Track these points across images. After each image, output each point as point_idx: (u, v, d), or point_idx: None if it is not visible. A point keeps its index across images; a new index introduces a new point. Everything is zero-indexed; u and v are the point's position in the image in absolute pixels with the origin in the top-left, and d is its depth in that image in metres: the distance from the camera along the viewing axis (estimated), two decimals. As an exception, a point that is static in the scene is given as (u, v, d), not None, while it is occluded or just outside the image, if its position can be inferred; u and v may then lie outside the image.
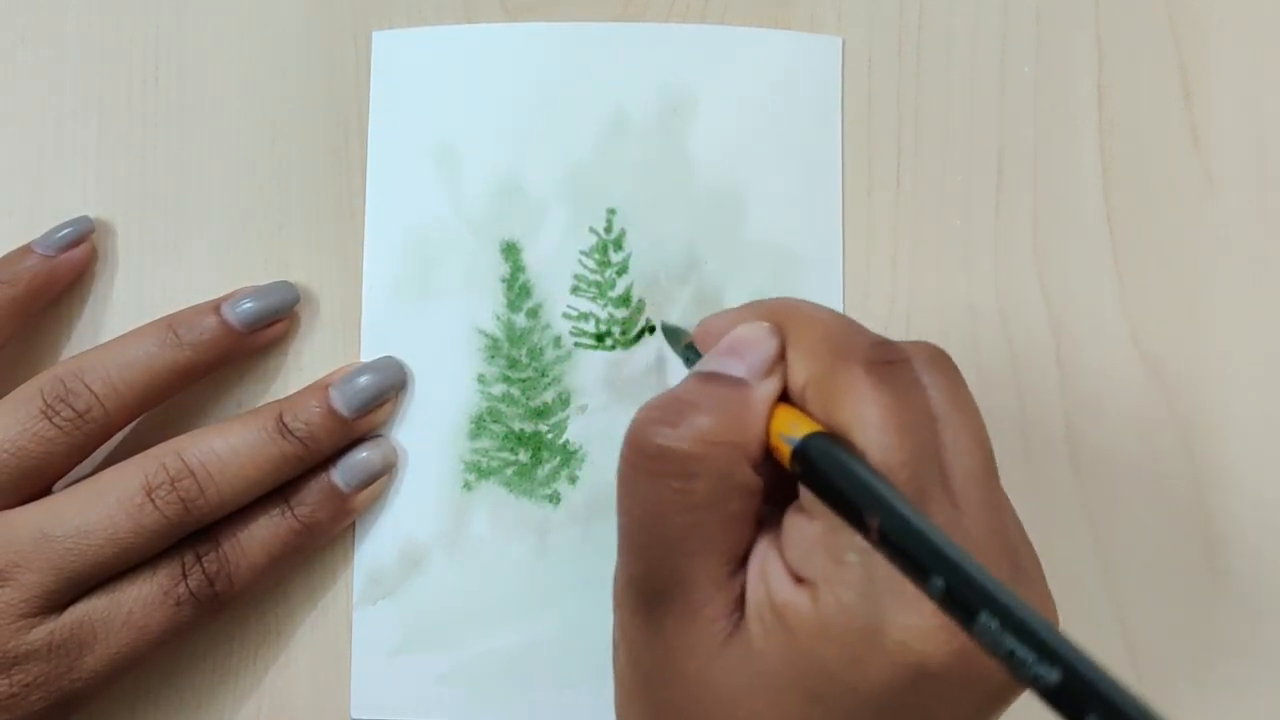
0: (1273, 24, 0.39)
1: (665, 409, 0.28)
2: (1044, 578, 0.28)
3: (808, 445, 0.26)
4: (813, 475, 0.26)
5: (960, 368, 0.38)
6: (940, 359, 0.29)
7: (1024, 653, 0.22)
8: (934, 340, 0.38)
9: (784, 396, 0.28)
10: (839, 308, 0.38)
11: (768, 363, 0.28)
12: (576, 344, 0.38)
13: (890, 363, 0.27)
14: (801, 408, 0.28)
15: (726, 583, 0.27)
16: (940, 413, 0.27)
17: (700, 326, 0.31)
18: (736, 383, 0.28)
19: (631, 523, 0.29)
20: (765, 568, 0.27)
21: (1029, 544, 0.28)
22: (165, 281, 0.38)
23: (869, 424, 0.26)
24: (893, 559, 0.24)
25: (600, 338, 0.38)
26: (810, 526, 0.26)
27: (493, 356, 0.38)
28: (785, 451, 0.27)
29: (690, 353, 0.31)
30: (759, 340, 0.28)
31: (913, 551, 0.24)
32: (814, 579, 0.26)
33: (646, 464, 0.27)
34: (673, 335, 0.36)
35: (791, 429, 0.27)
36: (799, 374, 0.28)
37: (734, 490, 0.27)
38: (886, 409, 0.26)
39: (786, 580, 0.27)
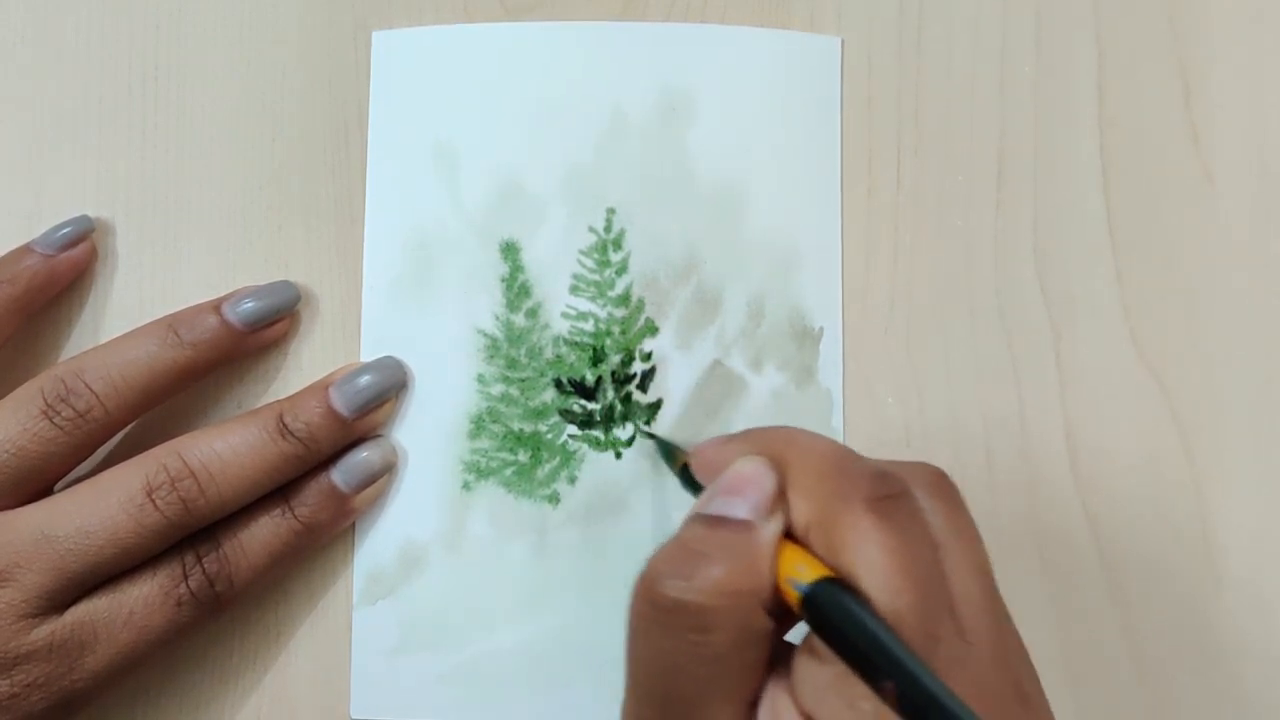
0: (1273, 24, 0.39)
1: (677, 560, 0.27)
2: (1047, 704, 0.28)
3: (817, 594, 0.26)
4: (823, 624, 0.26)
5: (960, 367, 0.38)
6: (940, 484, 0.28)
7: None
8: (933, 339, 0.38)
9: (787, 533, 0.28)
10: (838, 307, 0.38)
11: (770, 501, 0.27)
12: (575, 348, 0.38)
13: (892, 497, 0.27)
14: (805, 545, 0.27)
15: None
16: (941, 540, 0.27)
17: (696, 454, 0.30)
18: (743, 526, 0.27)
19: (646, 674, 0.28)
20: (776, 708, 0.26)
21: (1031, 666, 0.28)
22: (165, 281, 0.38)
23: (876, 568, 0.26)
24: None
25: (596, 352, 0.38)
26: (822, 670, 0.26)
27: (492, 356, 0.38)
28: (793, 596, 0.26)
29: (686, 476, 0.31)
30: (759, 478, 0.28)
31: (929, 716, 0.24)
32: None
33: (661, 617, 0.27)
34: (666, 451, 0.36)
35: (798, 572, 0.26)
36: (800, 512, 0.27)
37: (751, 638, 0.26)
38: (892, 551, 0.26)
39: None
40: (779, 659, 0.27)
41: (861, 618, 0.25)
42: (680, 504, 0.37)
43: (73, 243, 0.37)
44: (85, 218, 0.38)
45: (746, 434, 0.30)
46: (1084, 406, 0.38)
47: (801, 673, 0.26)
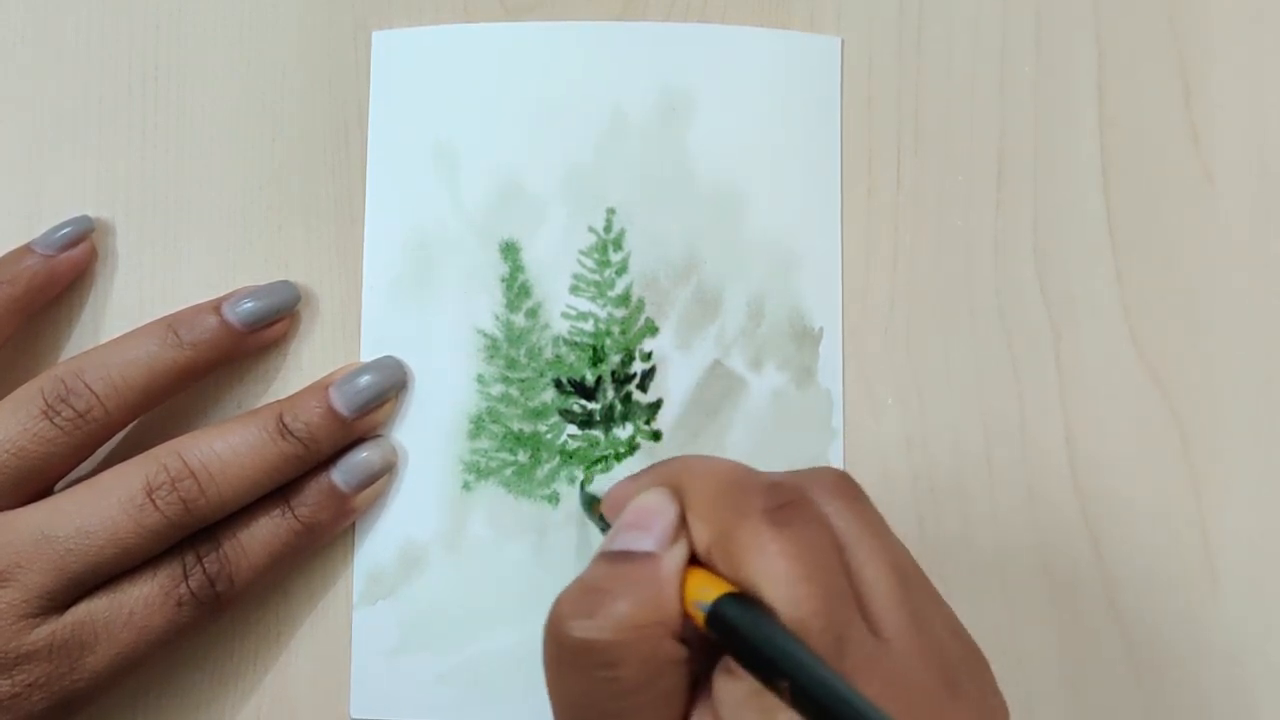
0: (1273, 24, 0.39)
1: (580, 600, 0.27)
2: (989, 687, 0.28)
3: (718, 609, 0.26)
4: (728, 638, 0.26)
5: (960, 368, 0.38)
6: (841, 484, 0.28)
7: None
8: (933, 340, 0.38)
9: (693, 558, 0.28)
10: (838, 307, 0.38)
11: (671, 530, 0.28)
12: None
13: (788, 505, 0.27)
14: (710, 568, 0.27)
15: None
16: (848, 540, 0.27)
17: (606, 496, 0.31)
18: (645, 558, 0.27)
19: (567, 711, 0.28)
20: None
21: (970, 650, 0.28)
22: (165, 281, 0.38)
23: (776, 578, 0.26)
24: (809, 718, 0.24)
25: (596, 352, 0.38)
26: (738, 686, 0.26)
27: (492, 356, 0.38)
28: (699, 617, 0.27)
29: (602, 521, 0.31)
30: (659, 508, 0.28)
31: (827, 711, 0.24)
32: None
33: (569, 657, 0.27)
34: (587, 503, 0.36)
35: (703, 593, 0.27)
36: (701, 534, 0.28)
37: (661, 668, 0.27)
38: (791, 558, 0.26)
39: None
40: (707, 680, 0.27)
41: (760, 626, 0.25)
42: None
43: (72, 243, 0.37)
44: (85, 218, 0.38)
45: (648, 469, 0.30)
46: (1084, 406, 0.38)
47: (720, 691, 0.26)
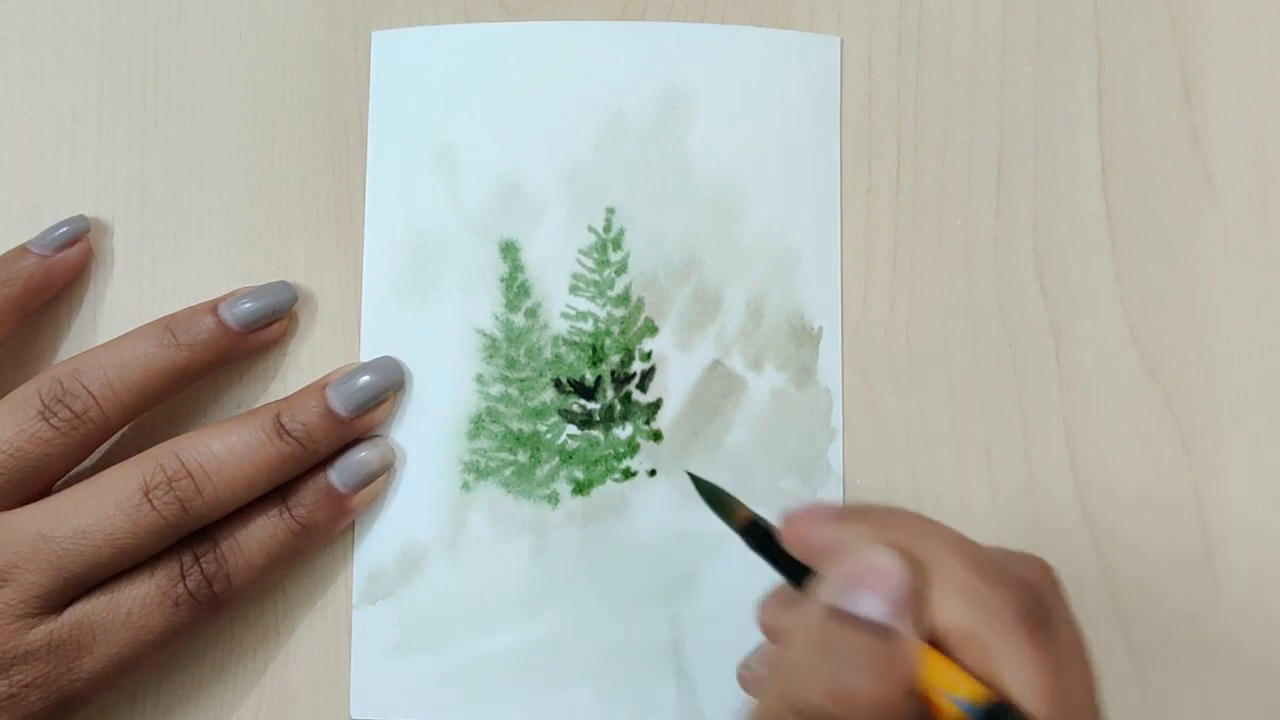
0: (1272, 24, 0.39)
1: (819, 664, 0.26)
2: None
3: (992, 716, 0.25)
4: None
5: (961, 368, 0.38)
6: (1056, 586, 0.27)
7: None
8: (933, 340, 0.38)
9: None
10: (837, 307, 0.38)
11: (911, 602, 0.26)
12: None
13: (1042, 613, 0.26)
14: (946, 652, 0.26)
15: None
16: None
17: (790, 525, 0.29)
18: (884, 630, 0.26)
19: None
20: None
21: None
22: (165, 281, 0.38)
23: (1037, 692, 0.25)
24: None
25: (596, 351, 0.38)
26: None
27: (491, 356, 0.38)
28: (954, 712, 0.25)
29: (753, 534, 0.30)
30: (896, 574, 0.26)
31: None
32: None
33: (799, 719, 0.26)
34: (716, 501, 0.32)
35: (953, 686, 0.25)
36: (946, 617, 0.26)
37: None
38: (1050, 672, 0.25)
39: None
40: None
41: None
42: (678, 504, 0.37)
43: (69, 243, 0.37)
44: (81, 218, 0.38)
45: (863, 513, 0.28)
46: (1084, 406, 0.38)
47: None
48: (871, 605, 0.26)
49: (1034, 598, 0.26)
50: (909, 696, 0.25)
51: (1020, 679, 0.25)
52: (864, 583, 0.26)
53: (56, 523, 0.32)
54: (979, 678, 0.25)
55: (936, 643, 0.26)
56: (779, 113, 0.38)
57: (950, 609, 0.26)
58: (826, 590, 0.27)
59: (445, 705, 0.37)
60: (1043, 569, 0.28)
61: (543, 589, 0.37)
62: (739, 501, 0.31)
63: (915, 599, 0.26)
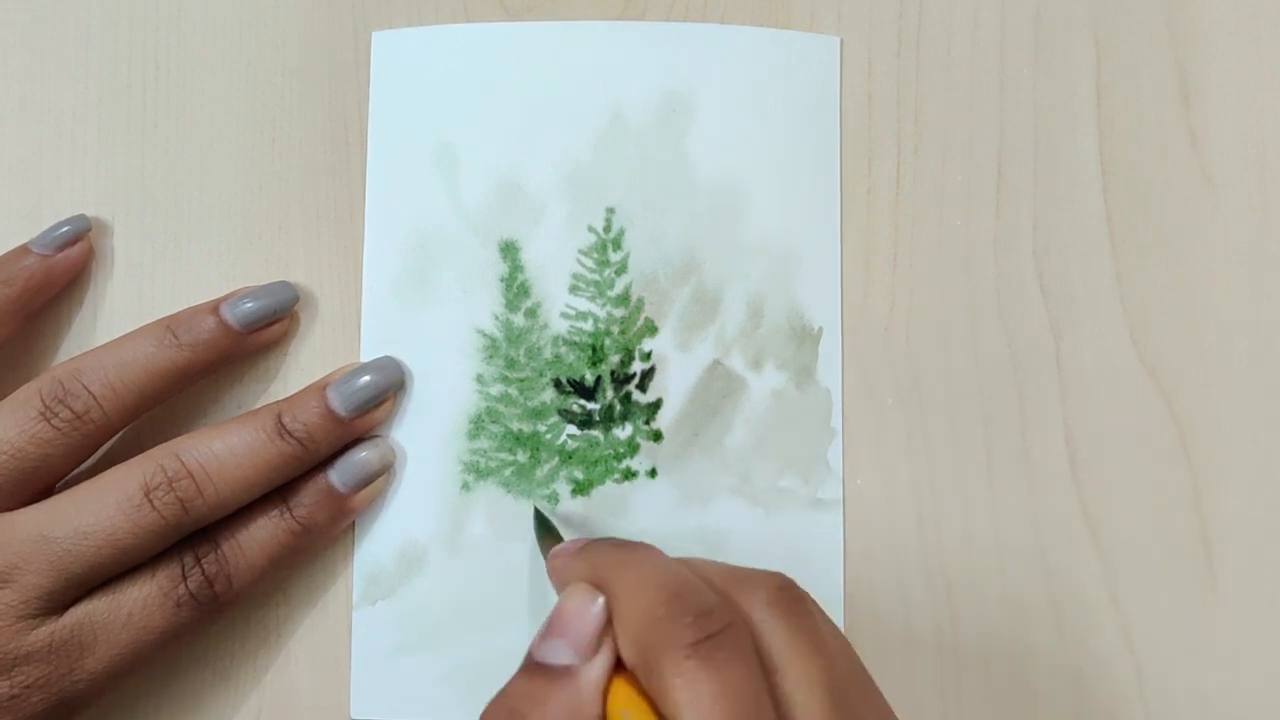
0: (1272, 24, 0.39)
1: (524, 716, 0.27)
2: None
3: None
4: None
5: (961, 368, 0.38)
6: (779, 597, 0.28)
7: None
8: (933, 340, 0.38)
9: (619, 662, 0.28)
10: (837, 307, 0.38)
11: (593, 641, 0.27)
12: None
13: (717, 636, 0.26)
14: (633, 681, 0.27)
15: None
16: (779, 663, 0.27)
17: (551, 559, 0.31)
18: (564, 674, 0.27)
19: None
20: None
21: None
22: (165, 281, 0.38)
23: (701, 714, 0.25)
24: None
25: (596, 351, 0.38)
26: None
27: (491, 356, 0.38)
28: None
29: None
30: (581, 615, 0.28)
31: None
32: None
33: None
34: (540, 528, 0.36)
35: (622, 716, 0.26)
36: (627, 649, 0.27)
37: None
38: (714, 697, 0.25)
39: None
40: None
41: None
42: (678, 505, 0.37)
43: (70, 242, 0.37)
44: (82, 217, 0.38)
45: (587, 549, 0.30)
46: (1084, 406, 0.38)
47: None
48: (560, 652, 0.27)
49: (709, 624, 0.26)
50: None
51: (687, 704, 0.25)
52: (555, 629, 0.28)
53: (57, 523, 0.32)
54: (652, 704, 0.26)
55: (629, 668, 0.27)
56: (779, 113, 0.38)
57: (629, 643, 0.27)
58: (532, 643, 0.28)
59: (445, 705, 0.37)
60: (771, 585, 0.28)
61: (542, 589, 0.37)
62: (557, 537, 0.33)
63: (597, 636, 0.27)
